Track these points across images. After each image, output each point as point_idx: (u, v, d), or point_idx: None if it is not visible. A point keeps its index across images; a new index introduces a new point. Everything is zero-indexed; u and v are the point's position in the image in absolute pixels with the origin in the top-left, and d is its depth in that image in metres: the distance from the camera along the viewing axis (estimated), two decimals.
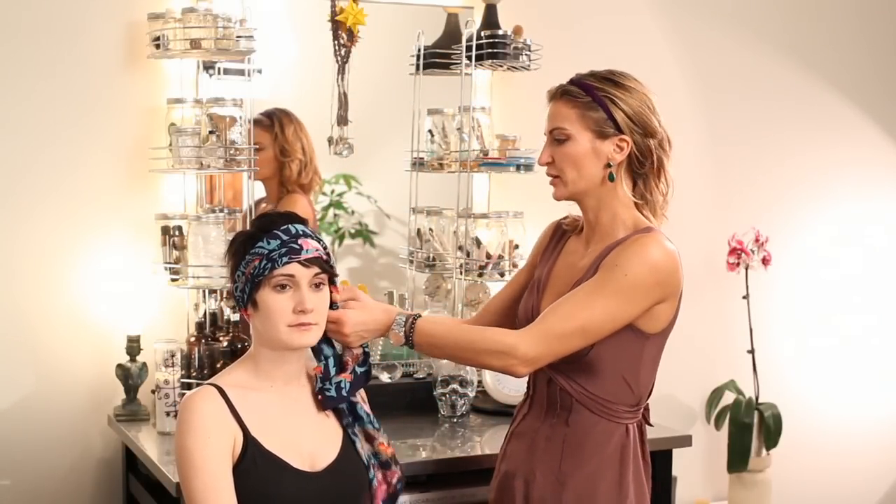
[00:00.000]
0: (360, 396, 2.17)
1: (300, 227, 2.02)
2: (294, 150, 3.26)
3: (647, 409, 2.30)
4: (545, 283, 2.29)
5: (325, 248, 2.04)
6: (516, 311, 2.35)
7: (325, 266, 2.02)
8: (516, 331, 2.15)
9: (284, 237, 1.99)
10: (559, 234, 2.36)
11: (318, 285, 2.01)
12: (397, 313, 2.15)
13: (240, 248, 2.03)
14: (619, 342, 2.15)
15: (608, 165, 2.17)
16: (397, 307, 2.21)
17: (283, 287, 1.98)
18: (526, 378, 2.32)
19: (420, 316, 2.16)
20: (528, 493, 2.22)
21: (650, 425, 2.32)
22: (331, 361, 2.11)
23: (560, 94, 2.20)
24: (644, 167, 2.19)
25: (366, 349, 2.15)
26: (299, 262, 1.98)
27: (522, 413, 2.32)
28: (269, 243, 1.98)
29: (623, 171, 2.19)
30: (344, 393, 2.09)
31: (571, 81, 2.21)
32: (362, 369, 2.13)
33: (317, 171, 3.33)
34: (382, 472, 2.11)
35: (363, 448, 2.10)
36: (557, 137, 2.18)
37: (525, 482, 2.23)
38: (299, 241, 1.99)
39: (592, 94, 2.16)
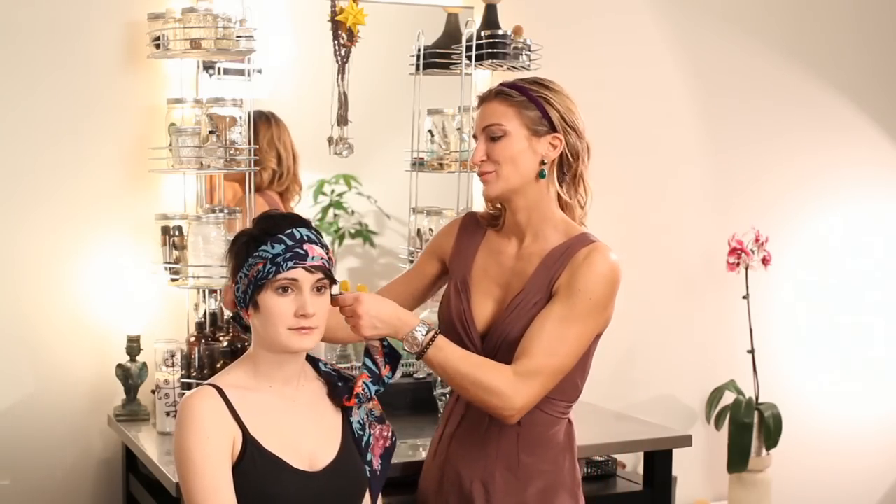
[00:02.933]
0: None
1: (304, 231, 2.02)
2: (266, 159, 3.20)
3: None
4: (470, 284, 2.31)
5: (327, 252, 2.04)
6: (414, 303, 2.42)
7: (328, 272, 2.03)
8: (513, 379, 2.13)
9: (289, 242, 1.99)
10: (472, 228, 2.38)
11: (319, 289, 2.02)
12: (421, 319, 2.15)
13: (242, 250, 2.02)
14: None
15: (542, 163, 2.22)
16: (413, 315, 2.20)
17: (285, 290, 1.98)
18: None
19: (440, 332, 2.17)
20: (489, 496, 2.24)
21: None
22: (367, 363, 2.14)
23: (494, 95, 2.25)
24: (571, 169, 2.25)
25: (384, 342, 2.15)
26: (304, 267, 1.98)
27: (458, 414, 2.32)
28: (273, 247, 1.98)
29: (554, 171, 2.25)
30: (388, 381, 2.16)
31: (503, 84, 2.27)
32: (391, 356, 2.16)
33: (296, 181, 3.28)
34: (378, 429, 2.16)
35: (362, 410, 2.14)
36: (493, 135, 2.22)
37: (483, 485, 2.25)
38: (304, 247, 1.99)
39: (527, 94, 2.22)
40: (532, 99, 2.21)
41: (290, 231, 2.00)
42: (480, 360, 2.18)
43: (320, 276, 2.01)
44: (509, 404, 2.12)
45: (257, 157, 3.08)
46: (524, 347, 2.16)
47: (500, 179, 2.22)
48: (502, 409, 2.13)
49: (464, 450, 2.29)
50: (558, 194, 2.25)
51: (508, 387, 2.13)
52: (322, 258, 2.01)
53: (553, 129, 2.21)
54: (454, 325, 2.29)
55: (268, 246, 1.99)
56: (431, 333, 2.13)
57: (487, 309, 2.27)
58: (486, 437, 2.26)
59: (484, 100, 2.28)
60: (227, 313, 3.07)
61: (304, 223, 2.05)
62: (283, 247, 1.98)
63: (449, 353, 2.14)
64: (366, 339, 2.13)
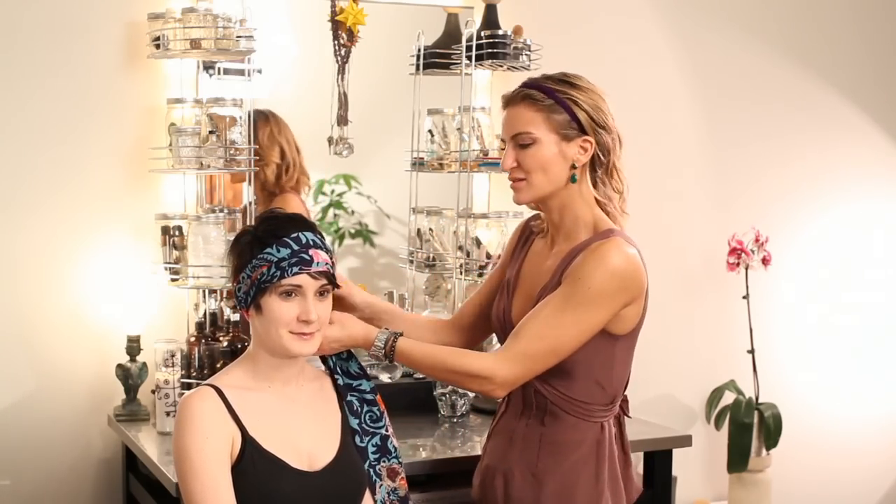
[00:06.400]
0: (390, 430, 2.19)
1: (310, 235, 2.01)
2: (268, 154, 3.20)
3: (625, 400, 2.33)
4: (514, 285, 2.32)
5: (331, 257, 2.04)
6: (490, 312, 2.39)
7: (332, 278, 2.02)
8: (492, 354, 2.20)
9: (295, 246, 1.97)
10: (527, 235, 2.39)
11: (322, 293, 2.01)
12: (377, 332, 2.18)
13: (246, 250, 2.01)
14: (590, 347, 2.19)
15: (573, 167, 2.19)
16: (375, 329, 2.21)
17: (289, 294, 1.98)
18: None
19: (401, 334, 2.18)
20: (507, 490, 2.27)
21: (628, 416, 2.34)
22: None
23: (521, 99, 2.20)
24: (603, 165, 2.22)
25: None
26: (309, 273, 1.97)
27: (500, 412, 2.37)
28: (278, 251, 1.97)
29: (586, 172, 2.22)
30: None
31: (529, 85, 2.21)
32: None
33: (303, 172, 3.28)
34: None
35: (384, 483, 2.14)
36: (522, 142, 2.18)
37: (504, 479, 2.27)
38: (310, 252, 1.98)
39: (554, 97, 2.17)
40: (559, 102, 2.16)
41: (296, 235, 1.99)
42: (450, 349, 2.22)
43: (324, 282, 2.00)
44: (490, 378, 2.13)
45: (258, 157, 3.08)
46: (515, 330, 2.17)
47: (532, 187, 2.20)
48: (485, 385, 2.15)
49: (496, 444, 2.33)
50: (595, 194, 2.23)
51: (486, 362, 2.15)
52: (327, 263, 2.01)
53: (583, 131, 2.17)
54: (495, 325, 2.33)
55: (273, 249, 1.97)
56: (390, 342, 2.16)
57: (523, 307, 2.26)
58: (513, 434, 2.28)
59: (509, 103, 2.22)
60: (227, 312, 3.09)
61: (310, 227, 2.03)
62: (288, 251, 1.97)
63: (414, 351, 2.17)
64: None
